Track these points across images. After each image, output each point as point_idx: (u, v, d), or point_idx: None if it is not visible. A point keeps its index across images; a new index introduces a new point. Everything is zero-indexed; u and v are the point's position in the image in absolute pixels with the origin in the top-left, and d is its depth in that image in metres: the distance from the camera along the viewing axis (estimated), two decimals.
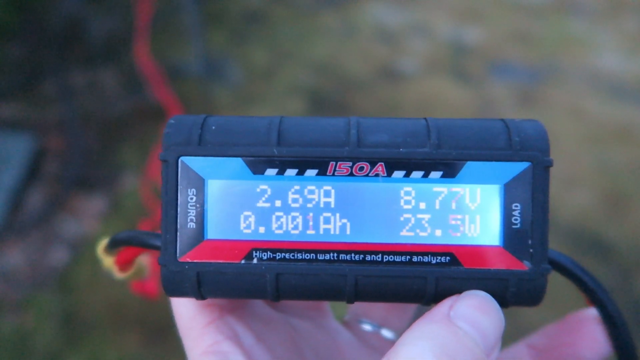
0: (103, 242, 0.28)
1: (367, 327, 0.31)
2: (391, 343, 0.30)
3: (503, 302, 0.22)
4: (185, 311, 0.26)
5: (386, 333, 0.31)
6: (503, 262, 0.22)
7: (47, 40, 1.51)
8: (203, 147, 0.23)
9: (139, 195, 1.28)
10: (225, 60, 1.65)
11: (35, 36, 1.52)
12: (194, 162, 0.23)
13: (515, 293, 0.22)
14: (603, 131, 1.41)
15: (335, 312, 0.32)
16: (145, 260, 0.30)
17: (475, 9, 1.80)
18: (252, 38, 1.72)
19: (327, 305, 0.31)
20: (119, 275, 0.29)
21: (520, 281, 0.22)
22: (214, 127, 0.23)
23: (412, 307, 0.32)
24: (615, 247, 1.17)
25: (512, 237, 0.22)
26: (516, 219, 0.22)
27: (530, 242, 0.22)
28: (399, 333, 0.31)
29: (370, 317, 0.31)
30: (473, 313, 0.21)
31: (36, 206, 1.28)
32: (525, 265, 0.22)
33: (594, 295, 0.25)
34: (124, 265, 0.28)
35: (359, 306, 0.32)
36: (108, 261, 0.29)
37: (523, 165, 0.22)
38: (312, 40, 1.71)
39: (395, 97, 1.53)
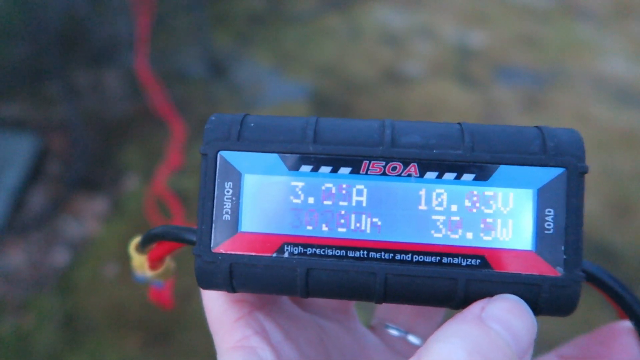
0: (135, 240, 0.29)
1: (393, 332, 0.31)
2: (417, 349, 0.31)
3: (535, 309, 0.22)
4: (216, 306, 0.26)
5: (412, 339, 0.31)
6: (535, 267, 0.22)
7: (51, 40, 1.51)
8: (241, 142, 0.24)
9: (141, 197, 1.28)
10: (230, 62, 1.64)
11: (39, 37, 1.52)
12: (232, 157, 0.23)
13: (547, 300, 0.22)
14: (609, 136, 1.40)
15: (361, 319, 0.31)
16: (172, 263, 0.31)
17: (481, 13, 1.79)
18: (257, 40, 1.72)
19: (354, 308, 0.31)
20: (149, 272, 0.29)
21: (552, 287, 0.22)
22: (252, 125, 0.24)
23: (439, 314, 0.32)
24: (620, 253, 1.16)
25: (544, 242, 0.22)
26: (549, 224, 0.22)
27: (563, 248, 0.22)
28: (426, 339, 0.31)
29: (396, 322, 0.31)
30: (505, 315, 0.21)
31: (38, 206, 1.28)
32: (558, 272, 0.22)
33: (629, 308, 0.25)
34: (155, 261, 0.29)
35: (385, 311, 0.32)
36: (138, 260, 0.29)
37: (557, 171, 0.22)
38: (317, 42, 1.71)
39: (399, 100, 1.52)
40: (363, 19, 1.79)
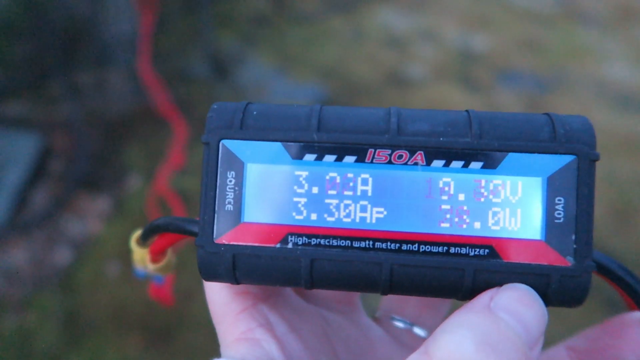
0: (137, 233, 0.28)
1: (399, 324, 0.31)
2: (423, 341, 0.30)
3: (544, 300, 0.21)
4: (220, 298, 0.26)
5: (418, 331, 0.30)
6: (544, 257, 0.21)
7: (54, 40, 1.52)
8: (244, 130, 0.23)
9: (143, 196, 1.28)
10: (233, 63, 1.64)
11: (42, 36, 1.52)
12: (234, 145, 0.23)
13: (557, 290, 0.21)
14: (610, 141, 1.40)
15: (366, 310, 0.31)
16: (173, 257, 0.30)
17: (484, 16, 1.79)
18: (261, 41, 1.72)
19: (358, 300, 0.31)
20: (150, 266, 0.29)
21: (562, 277, 0.21)
22: (255, 113, 0.23)
23: (445, 305, 0.31)
24: (622, 258, 1.16)
25: (554, 231, 0.22)
26: (559, 213, 0.22)
27: (573, 237, 0.21)
28: (432, 331, 0.31)
29: (402, 314, 0.31)
30: (515, 305, 0.20)
31: (41, 205, 1.28)
32: (568, 261, 0.21)
33: None
34: (157, 254, 0.28)
35: (391, 303, 0.32)
36: (140, 253, 0.29)
37: (568, 158, 0.22)
38: (320, 44, 1.71)
39: (402, 102, 1.52)
40: (367, 22, 1.79)
